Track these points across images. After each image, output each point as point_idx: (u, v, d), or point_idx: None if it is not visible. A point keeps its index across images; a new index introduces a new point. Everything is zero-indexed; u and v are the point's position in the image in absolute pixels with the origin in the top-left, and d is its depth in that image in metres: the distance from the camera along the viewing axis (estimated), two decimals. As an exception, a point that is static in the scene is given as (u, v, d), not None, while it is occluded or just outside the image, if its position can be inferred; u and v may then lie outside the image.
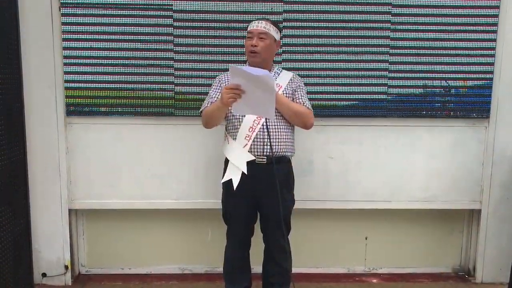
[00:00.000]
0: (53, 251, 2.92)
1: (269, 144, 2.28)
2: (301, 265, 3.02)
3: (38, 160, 2.82)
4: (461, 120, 2.91)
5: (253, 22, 2.32)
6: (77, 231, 3.06)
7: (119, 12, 2.71)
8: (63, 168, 2.85)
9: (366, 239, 3.15)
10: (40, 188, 2.85)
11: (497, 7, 2.79)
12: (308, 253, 3.10)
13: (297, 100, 2.37)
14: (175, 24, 2.73)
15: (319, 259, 3.15)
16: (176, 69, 2.77)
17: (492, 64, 2.84)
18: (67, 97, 2.79)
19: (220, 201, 2.49)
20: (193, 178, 2.91)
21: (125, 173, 2.90)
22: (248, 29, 2.33)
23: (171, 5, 2.71)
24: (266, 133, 2.28)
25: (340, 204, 2.97)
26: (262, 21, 2.30)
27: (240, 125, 2.31)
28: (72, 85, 2.77)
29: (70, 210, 2.93)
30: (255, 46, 2.27)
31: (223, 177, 2.40)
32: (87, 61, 2.75)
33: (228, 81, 2.36)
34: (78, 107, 2.80)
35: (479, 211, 3.03)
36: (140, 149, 2.88)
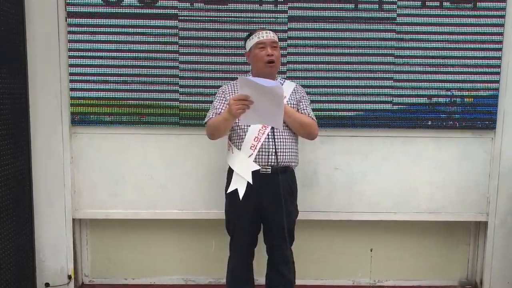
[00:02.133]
0: (57, 260, 2.91)
1: (274, 154, 2.27)
2: (305, 276, 3.00)
3: (43, 169, 2.83)
4: (467, 131, 2.90)
5: (260, 32, 2.31)
6: (80, 241, 3.05)
7: (125, 30, 2.74)
8: (68, 177, 2.85)
9: (371, 251, 3.12)
10: (44, 197, 2.85)
11: (502, 24, 2.78)
12: (313, 265, 3.08)
13: (302, 111, 2.36)
14: (180, 42, 2.76)
15: (323, 270, 3.11)
16: (180, 86, 2.79)
17: (498, 74, 2.82)
18: (72, 110, 2.80)
19: (224, 211, 2.48)
20: (197, 188, 2.91)
21: (129, 183, 2.90)
22: (258, 39, 2.29)
23: (176, 26, 2.75)
24: (272, 143, 2.27)
25: (345, 215, 2.95)
26: (269, 31, 2.32)
27: (245, 135, 2.30)
28: (77, 95, 2.79)
29: (74, 220, 2.92)
30: (272, 55, 2.27)
31: (226, 187, 2.39)
32: (93, 71, 2.76)
33: (232, 92, 2.37)
34: (83, 116, 2.81)
35: (485, 223, 3.00)
36: (144, 158, 2.88)
